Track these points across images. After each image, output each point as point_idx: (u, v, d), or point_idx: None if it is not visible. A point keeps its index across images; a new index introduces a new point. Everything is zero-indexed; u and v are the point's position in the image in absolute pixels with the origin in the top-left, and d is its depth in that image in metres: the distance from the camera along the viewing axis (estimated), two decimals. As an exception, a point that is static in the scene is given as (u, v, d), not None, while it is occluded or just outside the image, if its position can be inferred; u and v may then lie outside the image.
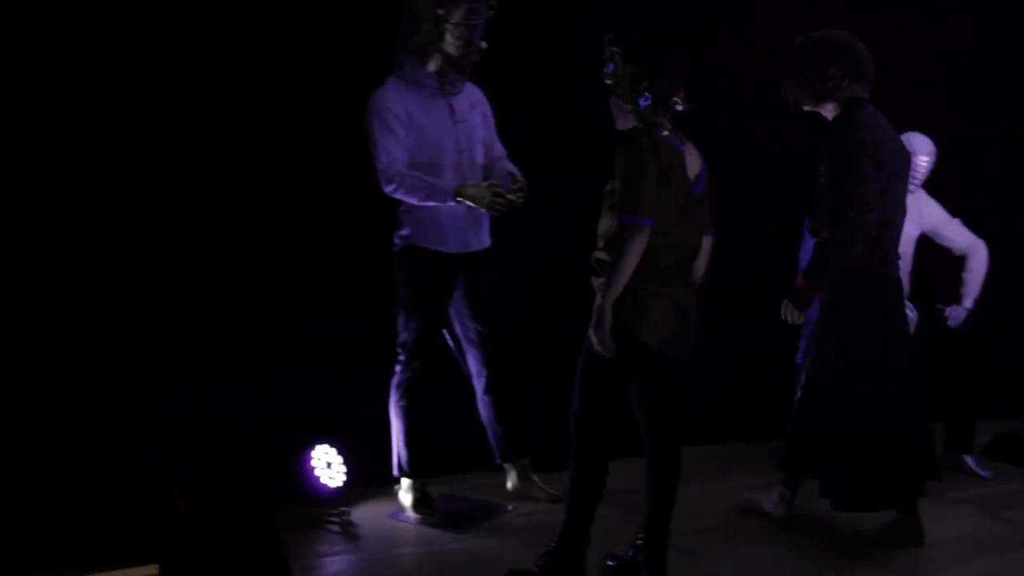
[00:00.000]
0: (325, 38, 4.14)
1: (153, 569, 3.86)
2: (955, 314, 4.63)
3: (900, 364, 3.70)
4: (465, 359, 4.15)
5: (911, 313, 4.49)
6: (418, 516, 4.04)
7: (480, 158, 3.99)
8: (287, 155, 4.21)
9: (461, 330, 4.09)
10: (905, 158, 3.74)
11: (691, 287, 3.33)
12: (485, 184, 3.82)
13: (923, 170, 4.49)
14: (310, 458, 4.17)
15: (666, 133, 3.22)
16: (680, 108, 3.23)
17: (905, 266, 4.64)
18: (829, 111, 3.68)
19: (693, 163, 3.26)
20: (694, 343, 3.32)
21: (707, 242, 3.37)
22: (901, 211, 3.72)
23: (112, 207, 4.06)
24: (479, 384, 4.15)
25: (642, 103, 3.21)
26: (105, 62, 3.91)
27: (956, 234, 4.72)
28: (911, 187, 4.49)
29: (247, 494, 4.20)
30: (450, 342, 4.13)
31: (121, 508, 4.24)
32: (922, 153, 4.46)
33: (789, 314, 3.64)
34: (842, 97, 3.62)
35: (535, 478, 4.24)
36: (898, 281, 3.77)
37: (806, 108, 3.73)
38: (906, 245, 4.62)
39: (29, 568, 4.07)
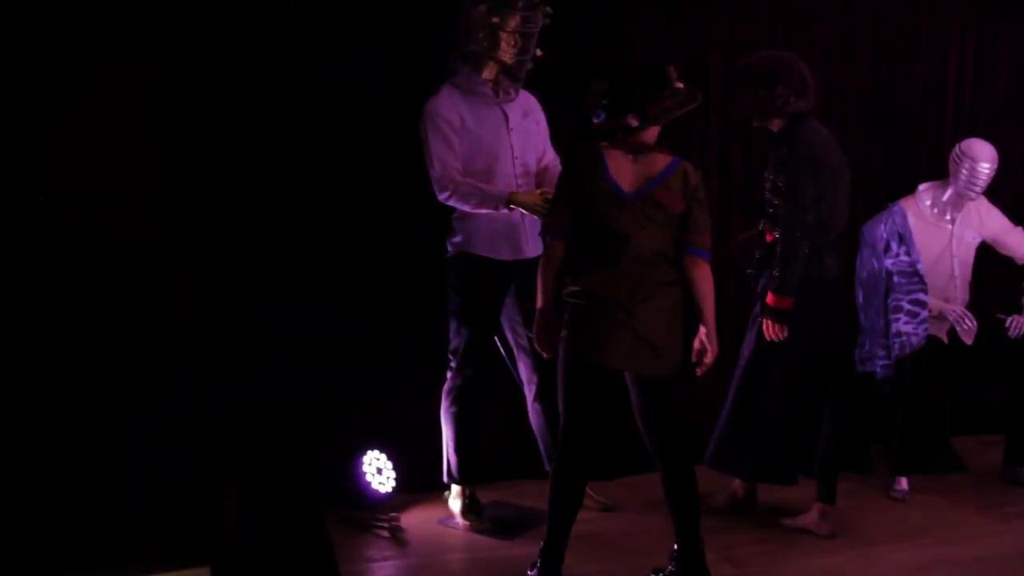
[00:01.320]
0: (324, 37, 4.12)
1: (205, 571, 3.91)
2: (1016, 324, 4.53)
3: (826, 358, 3.96)
4: (516, 366, 4.14)
5: (971, 323, 4.41)
6: (467, 522, 4.04)
7: (533, 165, 3.99)
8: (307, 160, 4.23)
9: (512, 337, 4.08)
10: (846, 167, 3.94)
11: (635, 297, 3.26)
12: (538, 191, 3.82)
13: (984, 177, 4.40)
14: (361, 463, 4.19)
15: (611, 148, 3.29)
16: (634, 125, 3.27)
17: (965, 275, 4.58)
18: (775, 125, 3.92)
19: (643, 174, 3.27)
20: (660, 357, 3.29)
21: (696, 267, 3.30)
22: (841, 217, 3.94)
23: (130, 210, 4.11)
24: (529, 391, 4.14)
25: (595, 120, 3.32)
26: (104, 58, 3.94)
27: (1019, 243, 4.62)
28: (972, 194, 4.41)
29: (298, 498, 4.23)
30: (501, 349, 4.12)
31: (173, 509, 4.30)
32: (983, 160, 4.38)
33: (774, 332, 3.82)
34: (788, 113, 3.86)
35: (588, 490, 4.21)
36: (834, 283, 3.95)
37: (755, 124, 3.98)
38: (966, 253, 4.57)
39: (83, 568, 4.14)
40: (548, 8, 3.80)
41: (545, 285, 3.38)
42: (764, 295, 3.90)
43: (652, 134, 3.36)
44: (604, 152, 3.31)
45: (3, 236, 4.03)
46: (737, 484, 4.19)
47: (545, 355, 3.49)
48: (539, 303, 3.41)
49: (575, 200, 3.32)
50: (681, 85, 3.32)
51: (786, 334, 3.82)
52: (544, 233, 3.41)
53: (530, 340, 4.05)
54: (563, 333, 3.35)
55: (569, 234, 3.35)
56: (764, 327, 3.86)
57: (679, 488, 3.40)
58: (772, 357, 3.93)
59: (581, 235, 3.33)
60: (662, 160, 3.31)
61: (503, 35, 3.76)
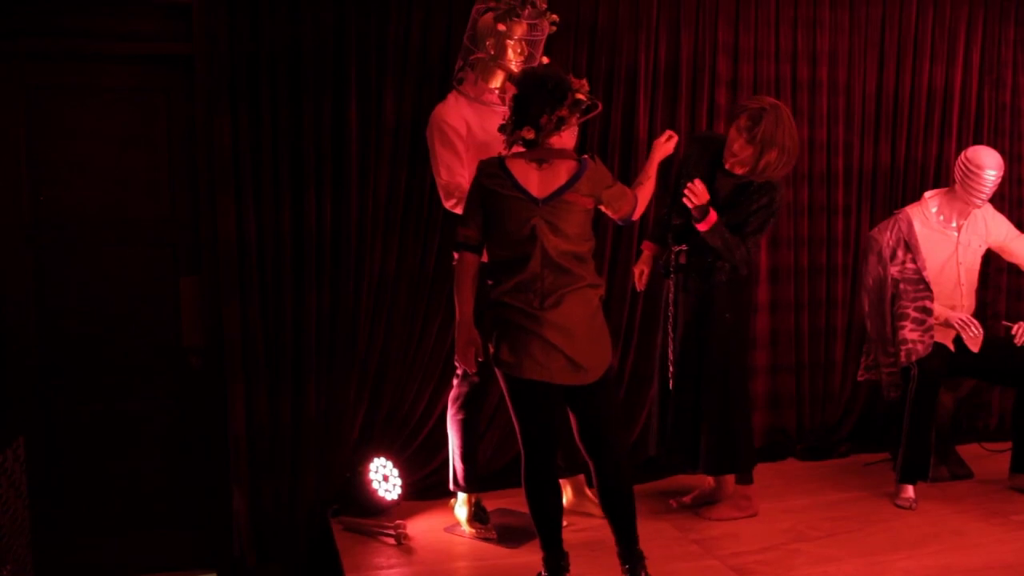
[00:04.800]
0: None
1: (212, 577, 3.92)
2: (1023, 331, 4.52)
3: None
4: (521, 373, 4.13)
5: (977, 330, 4.40)
6: (472, 530, 4.04)
7: (539, 172, 3.98)
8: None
9: (518, 344, 4.08)
10: None
11: (544, 304, 3.28)
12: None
13: (990, 185, 4.39)
14: (367, 471, 4.19)
15: (519, 158, 3.34)
16: (529, 137, 3.32)
17: (971, 282, 4.57)
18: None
19: (550, 180, 3.31)
20: (576, 366, 3.30)
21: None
22: None
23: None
24: (535, 398, 4.13)
25: (503, 131, 3.40)
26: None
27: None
28: (977, 201, 4.40)
29: (304, 505, 4.23)
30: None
31: (181, 515, 4.32)
32: (989, 168, 4.37)
33: (694, 195, 3.87)
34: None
35: (590, 493, 4.22)
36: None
37: (738, 170, 3.98)
38: (972, 260, 4.56)
39: (90, 572, 4.16)
40: (554, 16, 3.82)
41: (462, 299, 3.39)
42: (700, 298, 4.04)
43: (561, 140, 3.39)
44: (508, 163, 3.35)
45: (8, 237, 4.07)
46: (710, 480, 4.28)
47: (470, 371, 3.50)
48: (458, 318, 3.41)
49: (485, 212, 3.36)
50: (583, 96, 3.35)
51: (705, 198, 3.90)
52: (455, 247, 3.43)
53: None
54: (485, 342, 3.39)
55: (482, 245, 3.40)
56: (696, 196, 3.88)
57: (609, 489, 3.41)
58: (733, 355, 4.08)
59: (493, 245, 3.38)
60: (568, 165, 3.35)
61: (509, 43, 3.78)
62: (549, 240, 3.30)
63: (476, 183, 3.39)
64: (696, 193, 3.87)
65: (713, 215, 3.91)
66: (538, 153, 3.36)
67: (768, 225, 4.06)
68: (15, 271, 4.09)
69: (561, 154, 3.38)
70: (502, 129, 3.42)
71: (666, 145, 3.82)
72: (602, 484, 3.43)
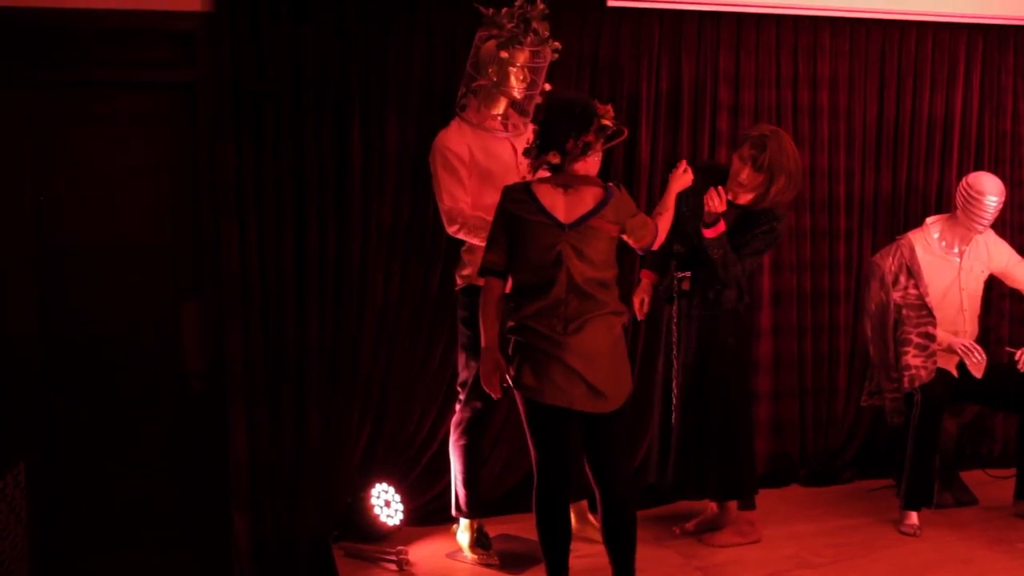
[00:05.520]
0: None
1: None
2: (1025, 357, 4.51)
3: None
4: (524, 398, 4.13)
5: (981, 356, 4.39)
6: (475, 556, 4.02)
7: (541, 198, 4.00)
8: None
9: (520, 370, 4.08)
10: None
11: (568, 330, 3.28)
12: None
13: (991, 211, 4.40)
14: (369, 496, 4.18)
15: (545, 183, 3.35)
16: (555, 161, 3.34)
17: (974, 308, 4.57)
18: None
19: (576, 205, 3.32)
20: (597, 393, 3.30)
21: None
22: None
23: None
24: (537, 424, 4.12)
25: (527, 156, 3.43)
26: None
27: (1026, 275, 4.62)
28: (979, 227, 4.40)
29: (305, 530, 4.22)
30: (510, 382, 4.11)
31: (183, 538, 4.30)
32: (990, 193, 4.38)
33: (713, 204, 3.89)
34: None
35: (592, 519, 4.20)
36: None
37: (740, 201, 4.04)
38: (975, 286, 4.56)
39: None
40: (556, 44, 3.85)
41: (487, 324, 3.39)
42: (703, 324, 4.04)
43: (586, 166, 3.41)
44: (534, 188, 3.36)
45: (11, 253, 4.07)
46: (713, 506, 4.28)
47: (494, 396, 3.50)
48: (483, 343, 3.41)
49: (510, 236, 3.36)
50: (608, 121, 3.38)
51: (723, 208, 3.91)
52: (481, 272, 3.44)
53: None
54: (508, 366, 3.38)
55: (507, 271, 3.40)
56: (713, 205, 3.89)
57: (613, 519, 3.40)
58: (736, 381, 4.11)
59: (518, 270, 3.38)
60: (594, 192, 3.37)
61: (512, 70, 3.80)
62: (575, 265, 3.30)
63: (501, 208, 3.40)
64: (718, 199, 3.89)
65: (722, 225, 3.93)
66: (563, 178, 3.37)
67: (767, 249, 4.12)
68: (19, 298, 4.09)
69: (586, 180, 3.39)
70: (526, 153, 3.43)
71: (684, 177, 3.82)
72: (606, 516, 3.42)
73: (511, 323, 3.37)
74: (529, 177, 3.42)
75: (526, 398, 3.35)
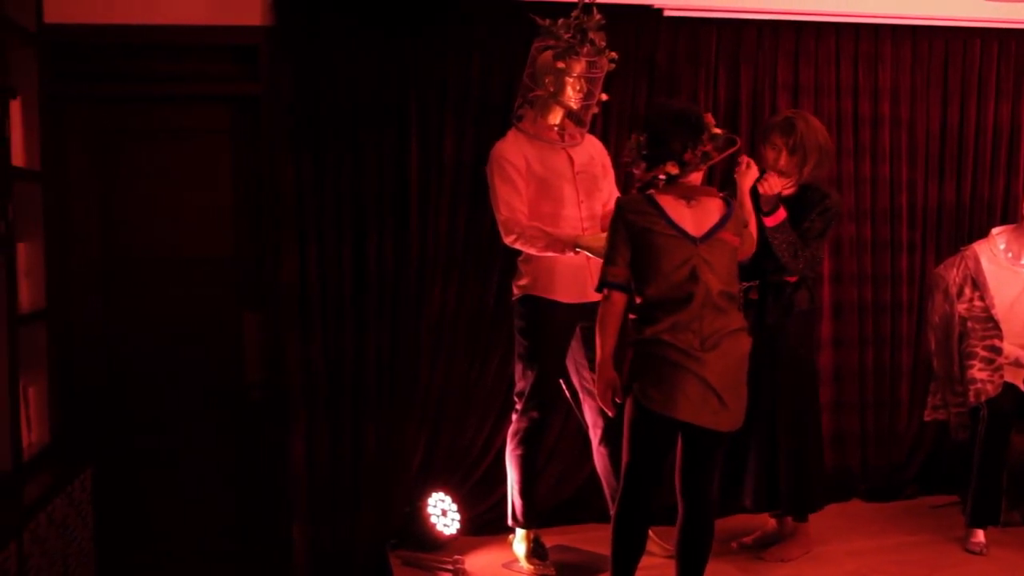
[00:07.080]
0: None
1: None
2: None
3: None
4: (581, 409, 4.12)
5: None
6: (531, 567, 4.01)
7: (598, 209, 4.01)
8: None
9: (578, 380, 4.07)
10: None
11: (705, 345, 3.24)
12: (603, 235, 3.81)
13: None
14: (426, 505, 4.19)
15: (667, 194, 3.32)
16: (675, 172, 3.31)
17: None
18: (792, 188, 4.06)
19: (702, 217, 3.31)
20: (727, 409, 3.27)
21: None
22: None
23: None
24: (595, 434, 4.11)
25: (635, 170, 3.41)
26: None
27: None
28: None
29: (363, 540, 4.24)
30: (567, 391, 4.12)
31: (242, 549, 4.34)
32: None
33: (768, 185, 3.88)
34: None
35: (650, 532, 4.16)
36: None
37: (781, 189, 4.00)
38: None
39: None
40: (613, 54, 3.85)
41: (606, 338, 3.34)
42: (772, 333, 3.99)
43: (696, 177, 3.39)
44: (658, 199, 3.32)
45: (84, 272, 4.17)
46: (772, 520, 4.25)
47: (609, 413, 3.47)
48: (599, 357, 3.37)
49: (633, 250, 3.32)
50: (719, 131, 3.36)
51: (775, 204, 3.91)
52: (602, 285, 3.37)
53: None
54: (628, 382, 3.33)
55: (630, 283, 3.34)
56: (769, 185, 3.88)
57: (696, 535, 3.37)
58: (807, 392, 4.09)
59: (649, 284, 3.30)
60: (717, 202, 3.37)
61: (569, 80, 3.82)
62: (709, 279, 3.27)
63: (620, 220, 3.33)
64: (773, 179, 3.87)
65: (783, 211, 3.89)
66: (682, 190, 3.35)
67: (827, 230, 4.04)
68: (87, 309, 4.19)
69: (705, 191, 3.39)
70: (628, 165, 3.43)
71: (749, 172, 3.81)
72: (687, 528, 3.39)
73: (641, 337, 3.30)
74: (650, 187, 3.37)
75: (644, 408, 3.28)
